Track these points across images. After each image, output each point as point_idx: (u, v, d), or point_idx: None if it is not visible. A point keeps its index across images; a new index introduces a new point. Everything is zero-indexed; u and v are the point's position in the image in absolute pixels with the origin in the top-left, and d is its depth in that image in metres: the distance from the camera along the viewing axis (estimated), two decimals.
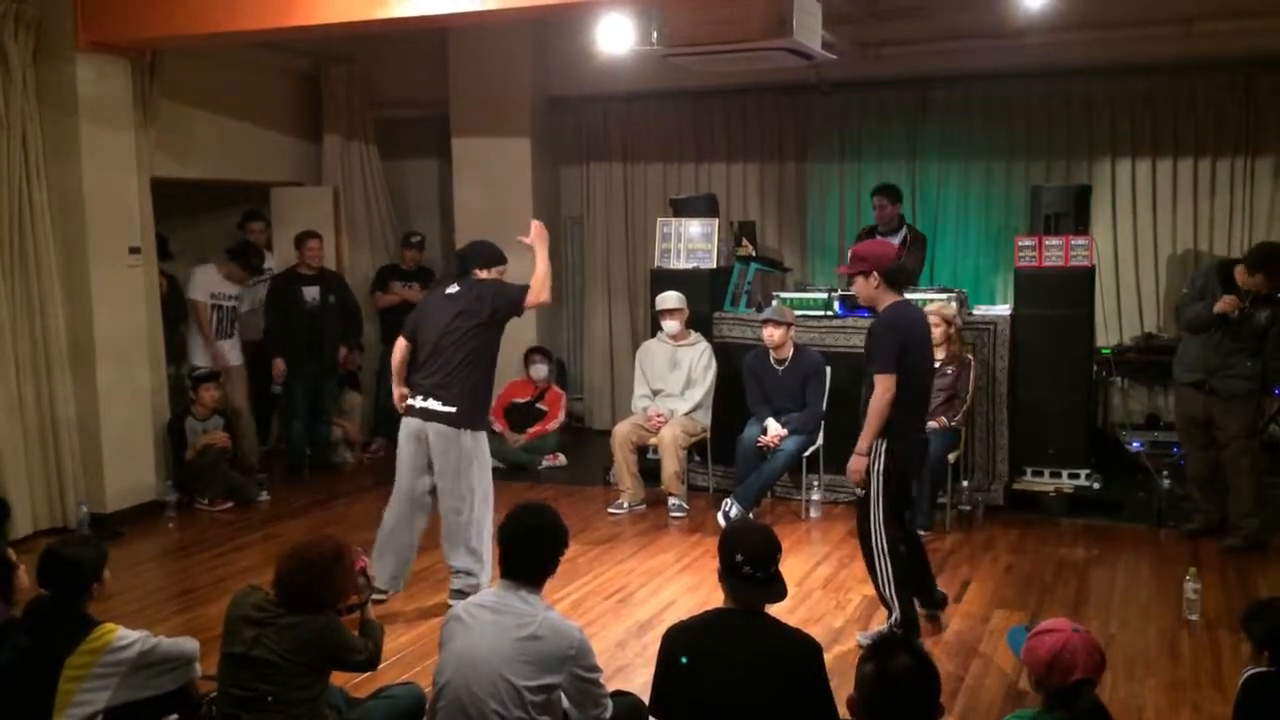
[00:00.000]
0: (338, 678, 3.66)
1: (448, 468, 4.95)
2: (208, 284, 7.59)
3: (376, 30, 6.78)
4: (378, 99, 8.91)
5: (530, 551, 3.18)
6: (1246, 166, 7.28)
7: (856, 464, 4.46)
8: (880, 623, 4.70)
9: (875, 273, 4.46)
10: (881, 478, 4.45)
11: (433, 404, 4.95)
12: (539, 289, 4.97)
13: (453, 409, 4.92)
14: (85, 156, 6.36)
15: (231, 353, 7.76)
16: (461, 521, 4.95)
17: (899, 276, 4.57)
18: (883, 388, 4.38)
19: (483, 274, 5.10)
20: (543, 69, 8.55)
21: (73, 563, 3.41)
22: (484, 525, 4.99)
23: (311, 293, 7.73)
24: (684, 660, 2.90)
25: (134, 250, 6.70)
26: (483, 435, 5.05)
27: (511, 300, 4.98)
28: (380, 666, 3.72)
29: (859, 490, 4.56)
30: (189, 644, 3.55)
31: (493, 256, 5.19)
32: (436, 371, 4.98)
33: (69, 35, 6.27)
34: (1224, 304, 5.60)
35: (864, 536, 4.60)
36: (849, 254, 4.72)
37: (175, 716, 3.52)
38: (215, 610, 4.45)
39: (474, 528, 4.97)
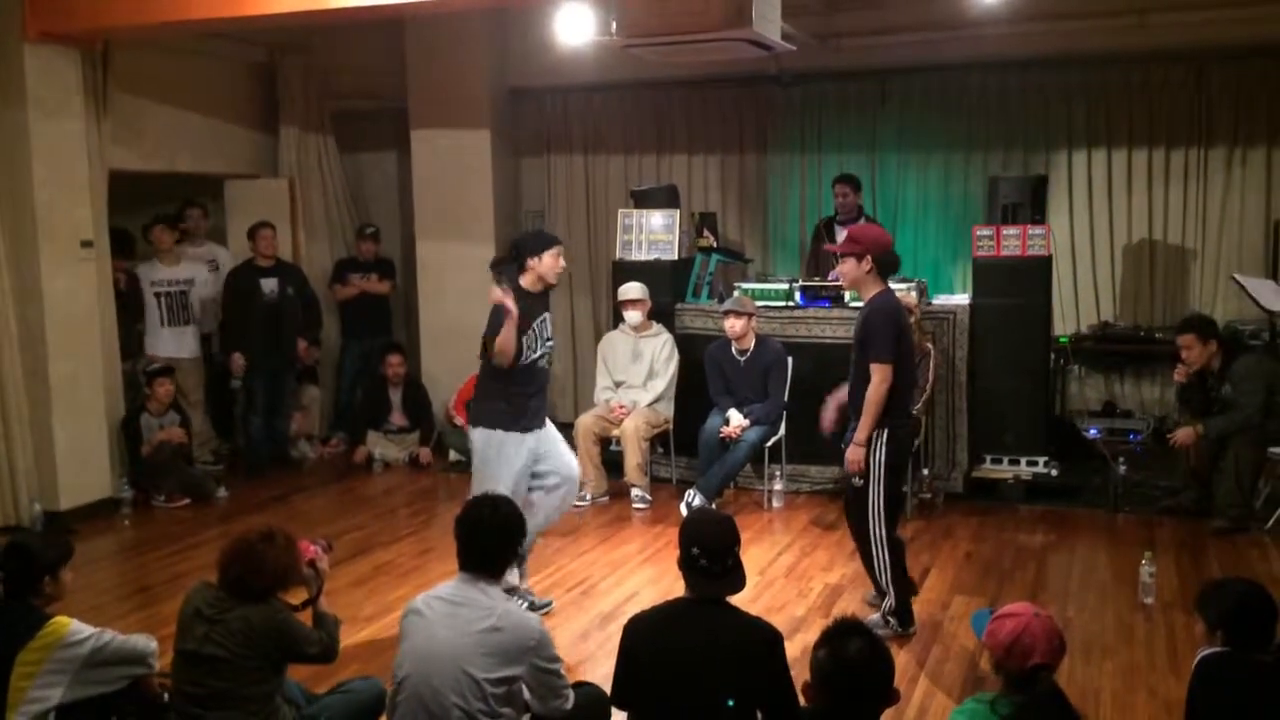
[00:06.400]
0: (297, 673, 3.63)
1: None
2: (148, 275, 7.51)
3: (331, 20, 6.73)
4: (335, 90, 8.81)
5: (488, 544, 3.16)
6: (1200, 157, 7.37)
7: (856, 454, 4.41)
8: (848, 609, 4.72)
9: (869, 256, 4.43)
10: (883, 466, 4.43)
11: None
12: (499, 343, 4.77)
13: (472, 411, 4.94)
14: (35, 149, 6.25)
15: (180, 342, 7.60)
16: None
17: (891, 266, 4.55)
18: (880, 376, 4.35)
19: (535, 261, 4.83)
20: (502, 60, 8.49)
21: (26, 550, 3.36)
22: None
23: (270, 285, 7.64)
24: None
25: (86, 244, 6.58)
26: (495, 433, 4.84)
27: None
28: (340, 661, 3.68)
29: (856, 481, 4.50)
30: (143, 641, 3.48)
31: (540, 242, 4.94)
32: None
33: (16, 26, 6.15)
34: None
35: (859, 525, 4.58)
36: (844, 234, 4.55)
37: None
38: (172, 608, 4.36)
39: None
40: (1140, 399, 7.57)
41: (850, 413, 4.60)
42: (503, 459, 4.77)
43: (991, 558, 5.62)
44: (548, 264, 4.87)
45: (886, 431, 4.43)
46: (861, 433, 4.40)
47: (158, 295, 7.52)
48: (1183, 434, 6.05)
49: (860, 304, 6.44)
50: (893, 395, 4.40)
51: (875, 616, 4.58)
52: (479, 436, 4.84)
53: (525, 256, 4.88)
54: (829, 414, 5.95)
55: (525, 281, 4.84)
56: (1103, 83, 7.50)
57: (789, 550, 5.81)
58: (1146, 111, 7.43)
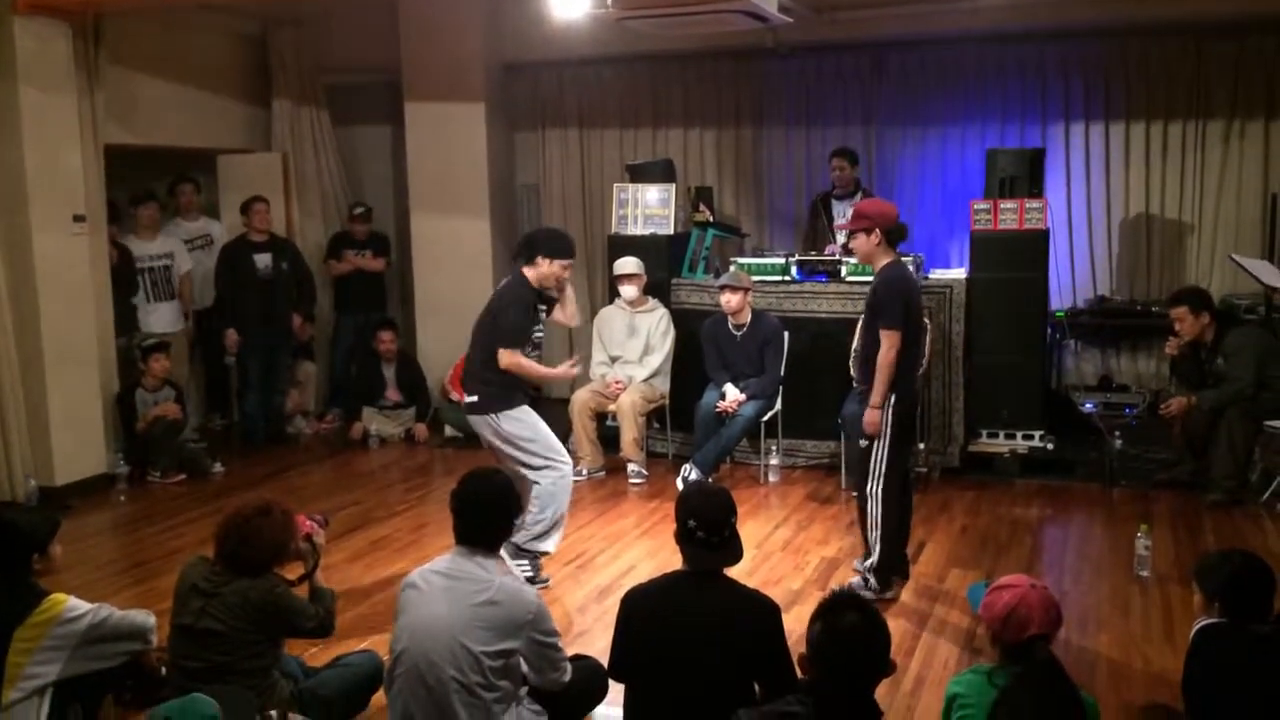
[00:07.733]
0: (294, 647, 3.63)
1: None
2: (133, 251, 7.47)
3: None
4: (328, 64, 8.73)
5: (485, 518, 3.16)
6: (1197, 130, 7.34)
7: (873, 417, 4.54)
8: (844, 583, 4.74)
9: (877, 230, 4.55)
10: (891, 429, 4.55)
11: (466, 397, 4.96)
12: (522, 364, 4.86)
13: (474, 398, 4.89)
14: (26, 122, 6.19)
15: (164, 319, 7.55)
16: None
17: (899, 236, 4.65)
18: (889, 343, 4.49)
19: (544, 263, 4.86)
20: (496, 33, 8.41)
21: (13, 528, 3.35)
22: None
23: (264, 260, 7.60)
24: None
25: (78, 219, 6.54)
26: (510, 412, 4.88)
27: (500, 330, 4.87)
28: (337, 635, 3.68)
29: (862, 442, 4.65)
30: (141, 616, 3.48)
31: (561, 248, 4.94)
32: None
33: None
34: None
35: (860, 483, 4.71)
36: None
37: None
38: (168, 582, 4.35)
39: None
40: (1137, 373, 7.57)
41: (858, 376, 4.72)
42: (535, 420, 4.89)
43: (988, 531, 5.63)
44: (555, 270, 4.91)
45: (894, 396, 4.54)
46: (876, 396, 4.53)
47: (144, 273, 7.50)
48: (1175, 403, 6.08)
49: (859, 277, 6.55)
50: (901, 360, 4.52)
51: (856, 579, 4.68)
52: (511, 418, 4.84)
53: (538, 252, 4.89)
54: None
55: (528, 274, 4.90)
56: (1100, 56, 7.46)
57: (785, 524, 5.82)
58: (1144, 85, 7.39)
